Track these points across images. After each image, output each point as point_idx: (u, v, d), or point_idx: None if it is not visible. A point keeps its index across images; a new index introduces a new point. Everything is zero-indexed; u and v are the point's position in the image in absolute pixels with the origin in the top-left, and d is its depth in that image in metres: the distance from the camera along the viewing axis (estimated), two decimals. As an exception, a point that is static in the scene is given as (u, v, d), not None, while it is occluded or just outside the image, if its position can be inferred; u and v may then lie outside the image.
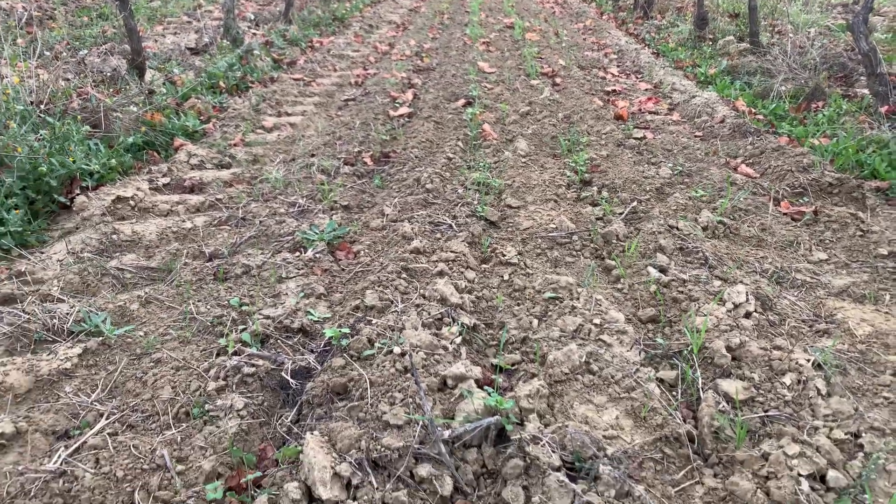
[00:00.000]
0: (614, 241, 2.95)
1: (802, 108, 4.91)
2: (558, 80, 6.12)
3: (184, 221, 3.04)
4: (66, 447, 1.70)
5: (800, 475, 1.63)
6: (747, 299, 2.34)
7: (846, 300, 2.48)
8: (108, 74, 4.94)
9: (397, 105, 5.24)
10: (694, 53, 7.22)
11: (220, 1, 9.90)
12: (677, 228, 2.96)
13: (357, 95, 5.66)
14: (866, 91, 5.03)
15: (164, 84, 4.92)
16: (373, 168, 3.85)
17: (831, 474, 1.64)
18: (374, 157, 3.99)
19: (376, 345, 2.07)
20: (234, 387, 1.91)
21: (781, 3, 10.39)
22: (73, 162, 3.16)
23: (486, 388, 1.93)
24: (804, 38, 6.85)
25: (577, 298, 2.40)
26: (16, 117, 3.34)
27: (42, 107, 3.63)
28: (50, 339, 2.20)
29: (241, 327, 2.24)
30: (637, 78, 6.52)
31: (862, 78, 5.66)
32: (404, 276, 2.49)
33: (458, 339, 2.17)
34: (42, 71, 4.40)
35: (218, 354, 2.12)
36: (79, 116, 3.71)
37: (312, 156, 4.04)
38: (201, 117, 4.51)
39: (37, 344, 2.18)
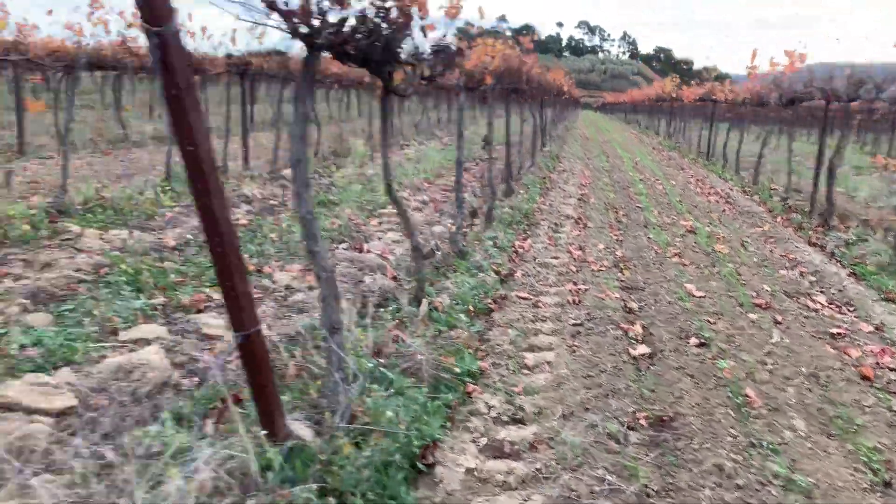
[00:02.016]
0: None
1: None
2: (777, 315, 6.31)
3: (524, 501, 3.38)
4: None
5: None
6: None
7: None
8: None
9: (632, 341, 5.59)
10: (905, 286, 7.22)
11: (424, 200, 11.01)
12: None
13: (582, 319, 6.09)
14: None
15: (430, 310, 5.55)
16: (653, 434, 4.11)
17: None
18: (649, 419, 4.27)
19: None
20: None
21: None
22: (427, 426, 3.64)
23: None
24: None
25: None
26: (367, 374, 3.93)
27: (377, 359, 4.25)
28: None
29: None
30: (850, 311, 6.60)
31: None
32: None
33: None
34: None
35: None
36: (399, 365, 4.29)
37: (586, 409, 4.38)
38: (477, 354, 5.02)
39: None
